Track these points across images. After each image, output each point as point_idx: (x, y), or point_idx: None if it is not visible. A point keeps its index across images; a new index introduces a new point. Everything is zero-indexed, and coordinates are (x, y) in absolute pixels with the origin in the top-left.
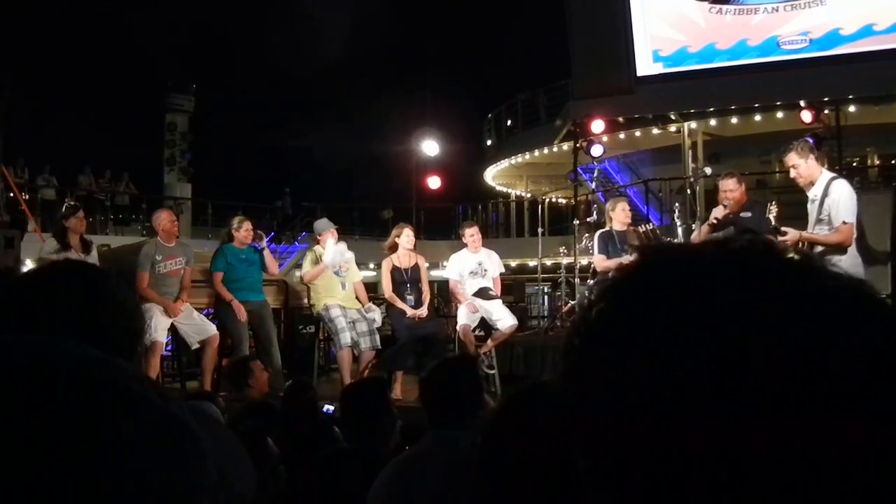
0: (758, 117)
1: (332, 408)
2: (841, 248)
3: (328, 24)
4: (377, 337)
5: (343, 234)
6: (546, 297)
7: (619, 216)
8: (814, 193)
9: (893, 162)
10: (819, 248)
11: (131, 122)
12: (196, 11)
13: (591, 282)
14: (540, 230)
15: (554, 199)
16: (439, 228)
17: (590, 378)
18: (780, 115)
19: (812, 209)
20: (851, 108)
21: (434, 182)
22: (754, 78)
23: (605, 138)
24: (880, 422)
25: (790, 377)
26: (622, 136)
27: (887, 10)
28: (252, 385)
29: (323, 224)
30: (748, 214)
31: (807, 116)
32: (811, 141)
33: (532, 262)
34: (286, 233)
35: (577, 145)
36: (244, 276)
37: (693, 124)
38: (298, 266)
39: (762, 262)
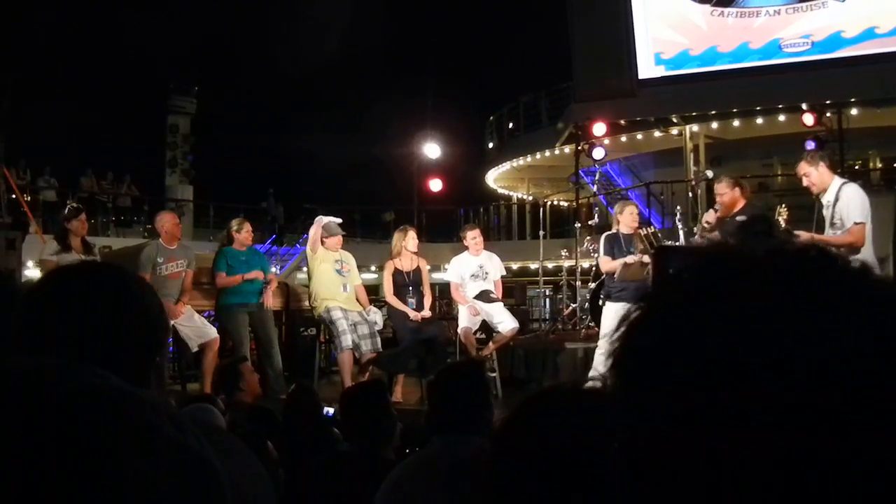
0: (760, 120)
1: (331, 410)
2: (854, 249)
3: (330, 27)
4: (378, 339)
5: (344, 237)
6: (547, 300)
7: (626, 219)
8: (827, 199)
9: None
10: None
11: (133, 124)
12: (198, 13)
13: (592, 285)
14: (541, 233)
15: (555, 202)
16: (441, 231)
17: (648, 390)
18: (781, 118)
19: (826, 214)
20: (853, 111)
21: (435, 184)
22: (756, 81)
23: (606, 141)
24: None
25: (870, 388)
26: (624, 138)
27: (889, 12)
28: (243, 388)
29: (333, 228)
30: (743, 218)
31: (809, 119)
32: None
33: (533, 265)
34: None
35: (579, 148)
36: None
37: (695, 127)
38: (299, 268)
39: (817, 267)
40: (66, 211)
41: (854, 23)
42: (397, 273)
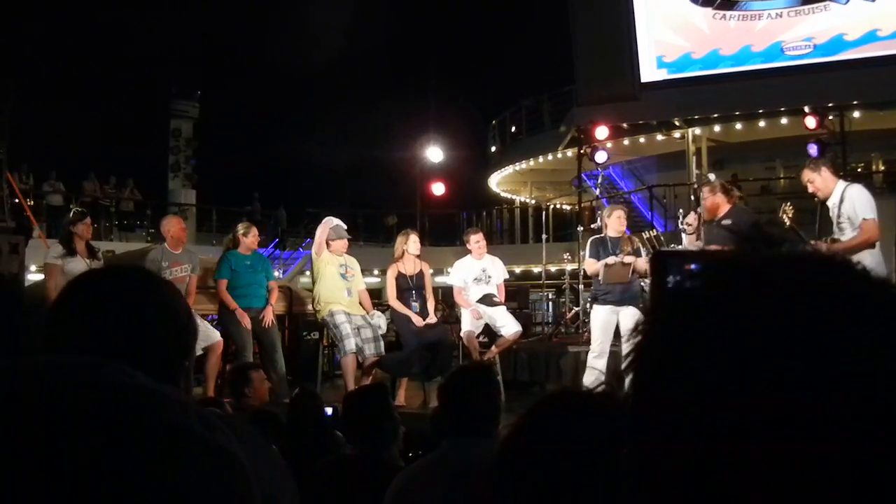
0: (762, 123)
1: (330, 410)
2: (870, 245)
3: (333, 31)
4: (381, 344)
5: (349, 241)
6: (550, 303)
7: (613, 223)
8: (832, 203)
9: None
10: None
11: (136, 129)
12: (201, 18)
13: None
14: (544, 236)
15: (558, 206)
16: (443, 235)
17: (661, 403)
18: (784, 120)
19: (832, 216)
20: (856, 114)
21: (438, 188)
22: (758, 84)
23: (609, 144)
24: None
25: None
26: (626, 142)
27: (891, 15)
28: (249, 395)
29: (339, 231)
30: (728, 222)
31: (811, 122)
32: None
33: (536, 269)
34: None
35: (582, 151)
36: (249, 282)
37: (697, 130)
38: (302, 272)
39: (824, 279)
40: (71, 215)
41: (856, 25)
42: (400, 277)
